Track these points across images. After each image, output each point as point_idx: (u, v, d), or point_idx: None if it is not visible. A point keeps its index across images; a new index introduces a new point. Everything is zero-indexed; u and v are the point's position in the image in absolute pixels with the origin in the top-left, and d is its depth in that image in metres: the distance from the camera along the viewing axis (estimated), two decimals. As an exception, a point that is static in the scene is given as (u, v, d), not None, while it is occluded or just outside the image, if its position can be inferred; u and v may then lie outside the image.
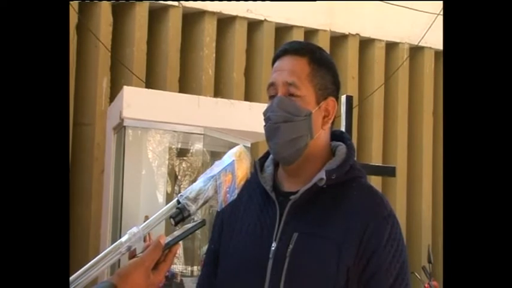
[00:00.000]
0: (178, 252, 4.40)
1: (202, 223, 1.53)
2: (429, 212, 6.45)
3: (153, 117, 4.29)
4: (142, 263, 1.45)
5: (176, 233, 1.54)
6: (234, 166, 1.55)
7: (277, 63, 1.80)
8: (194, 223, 1.54)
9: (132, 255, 1.50)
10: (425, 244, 6.04)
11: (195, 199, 1.50)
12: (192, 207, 1.49)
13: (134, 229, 1.47)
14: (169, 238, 1.50)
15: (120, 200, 4.27)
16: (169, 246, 1.49)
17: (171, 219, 1.50)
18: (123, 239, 1.46)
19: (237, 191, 1.56)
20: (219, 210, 1.62)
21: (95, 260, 1.44)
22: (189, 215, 1.50)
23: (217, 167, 1.55)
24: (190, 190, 1.51)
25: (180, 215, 1.49)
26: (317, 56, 1.79)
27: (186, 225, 1.56)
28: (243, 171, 1.57)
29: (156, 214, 1.50)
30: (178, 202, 1.50)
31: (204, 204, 1.51)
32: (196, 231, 1.66)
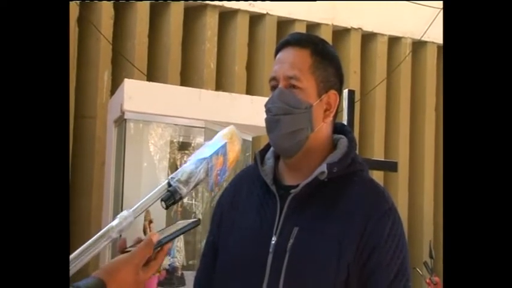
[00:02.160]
0: (179, 245, 4.40)
1: (197, 223, 1.50)
2: (431, 207, 6.43)
3: (154, 110, 4.28)
4: (132, 260, 1.42)
5: (168, 230, 1.52)
6: (226, 149, 1.54)
7: (279, 55, 1.79)
8: (188, 221, 1.52)
9: (123, 247, 1.48)
10: (427, 239, 6.02)
11: (186, 182, 1.48)
12: (184, 190, 1.47)
13: (125, 213, 1.45)
14: (161, 236, 1.48)
15: (120, 193, 4.27)
16: (161, 245, 1.46)
17: (162, 202, 1.48)
18: (114, 223, 1.44)
19: (227, 173, 1.54)
20: (209, 191, 1.61)
21: (84, 245, 1.41)
22: (181, 198, 1.48)
23: (209, 148, 1.53)
24: (181, 172, 1.49)
25: (171, 198, 1.47)
26: (320, 48, 1.78)
27: (179, 222, 1.55)
28: (234, 153, 1.56)
29: (147, 197, 1.48)
30: (169, 185, 1.48)
31: (195, 186, 1.49)
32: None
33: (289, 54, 1.77)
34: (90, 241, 1.43)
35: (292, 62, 1.75)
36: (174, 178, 1.48)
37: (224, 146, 1.54)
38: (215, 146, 1.54)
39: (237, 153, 1.57)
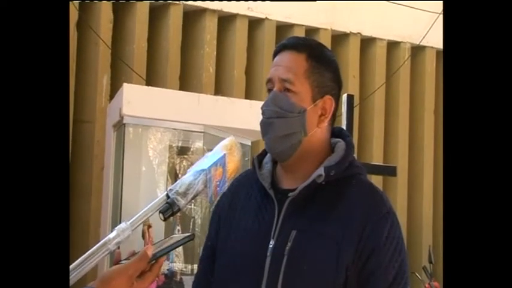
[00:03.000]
0: (178, 250, 4.39)
1: (191, 237, 1.51)
2: (430, 212, 6.43)
3: (153, 115, 4.28)
4: (126, 271, 1.44)
5: (162, 243, 1.52)
6: (225, 160, 1.54)
7: (276, 58, 1.81)
8: (183, 235, 1.52)
9: (118, 260, 1.49)
10: (426, 244, 6.02)
11: (184, 193, 1.49)
12: (182, 202, 1.48)
13: (122, 225, 1.46)
14: (157, 248, 1.49)
15: (119, 198, 4.26)
16: (156, 258, 1.47)
17: (160, 214, 1.49)
18: (111, 235, 1.45)
19: (227, 184, 1.55)
20: (209, 202, 1.61)
21: (82, 257, 1.43)
22: (179, 210, 1.49)
23: (208, 159, 1.54)
24: (180, 184, 1.50)
25: (169, 210, 1.48)
26: (316, 52, 1.79)
27: (174, 236, 1.56)
28: (233, 164, 1.56)
29: (146, 208, 1.49)
30: (168, 196, 1.49)
31: (193, 198, 1.50)
32: (196, 229, 1.65)
33: (285, 58, 1.78)
34: (87, 253, 1.44)
35: (287, 66, 1.76)
36: (172, 190, 1.49)
37: (223, 157, 1.55)
38: (214, 157, 1.54)
39: (236, 164, 1.58)
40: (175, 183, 1.50)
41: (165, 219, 1.49)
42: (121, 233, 1.45)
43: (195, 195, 1.50)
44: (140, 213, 1.48)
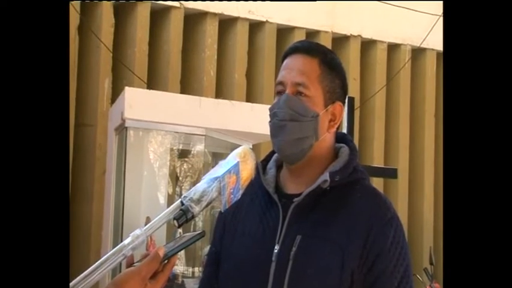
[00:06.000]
0: (180, 253, 4.39)
1: (201, 234, 1.50)
2: (431, 214, 6.44)
3: (155, 118, 4.28)
4: (138, 272, 1.43)
5: (173, 243, 1.52)
6: (239, 168, 1.54)
7: (287, 61, 1.78)
8: (193, 233, 1.52)
9: (130, 263, 1.49)
10: (427, 246, 6.03)
11: (198, 201, 1.48)
12: (196, 209, 1.47)
13: (137, 231, 1.45)
14: (168, 249, 1.48)
15: (121, 201, 4.27)
16: (168, 258, 1.47)
17: (175, 221, 1.48)
18: (126, 241, 1.45)
19: (241, 192, 1.54)
20: (222, 211, 1.59)
21: (97, 263, 1.42)
22: (193, 217, 1.48)
23: (222, 167, 1.53)
24: (194, 191, 1.49)
25: (183, 217, 1.47)
26: (328, 58, 1.78)
27: (184, 234, 1.55)
28: (247, 172, 1.55)
29: (160, 215, 1.48)
30: (182, 203, 1.49)
31: (207, 205, 1.49)
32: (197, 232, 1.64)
33: (298, 61, 1.76)
34: (102, 258, 1.43)
35: (301, 69, 1.74)
36: (186, 197, 1.49)
37: (237, 165, 1.54)
38: (228, 165, 1.54)
39: (250, 172, 1.57)
40: (190, 191, 1.50)
41: (179, 226, 1.49)
42: (135, 239, 1.45)
43: (209, 202, 1.49)
44: (155, 220, 1.48)
